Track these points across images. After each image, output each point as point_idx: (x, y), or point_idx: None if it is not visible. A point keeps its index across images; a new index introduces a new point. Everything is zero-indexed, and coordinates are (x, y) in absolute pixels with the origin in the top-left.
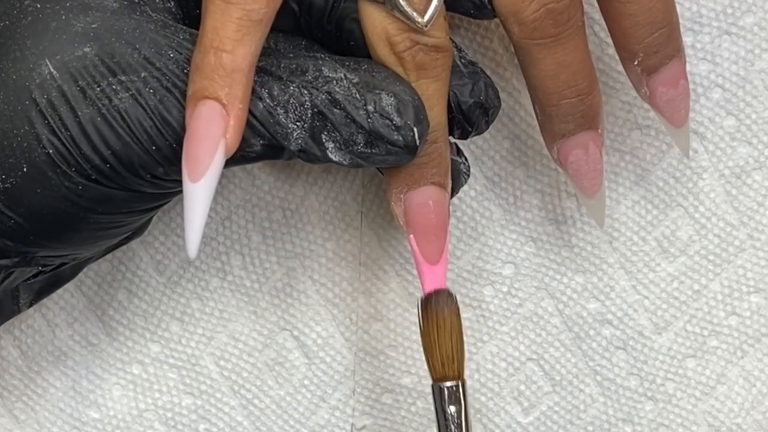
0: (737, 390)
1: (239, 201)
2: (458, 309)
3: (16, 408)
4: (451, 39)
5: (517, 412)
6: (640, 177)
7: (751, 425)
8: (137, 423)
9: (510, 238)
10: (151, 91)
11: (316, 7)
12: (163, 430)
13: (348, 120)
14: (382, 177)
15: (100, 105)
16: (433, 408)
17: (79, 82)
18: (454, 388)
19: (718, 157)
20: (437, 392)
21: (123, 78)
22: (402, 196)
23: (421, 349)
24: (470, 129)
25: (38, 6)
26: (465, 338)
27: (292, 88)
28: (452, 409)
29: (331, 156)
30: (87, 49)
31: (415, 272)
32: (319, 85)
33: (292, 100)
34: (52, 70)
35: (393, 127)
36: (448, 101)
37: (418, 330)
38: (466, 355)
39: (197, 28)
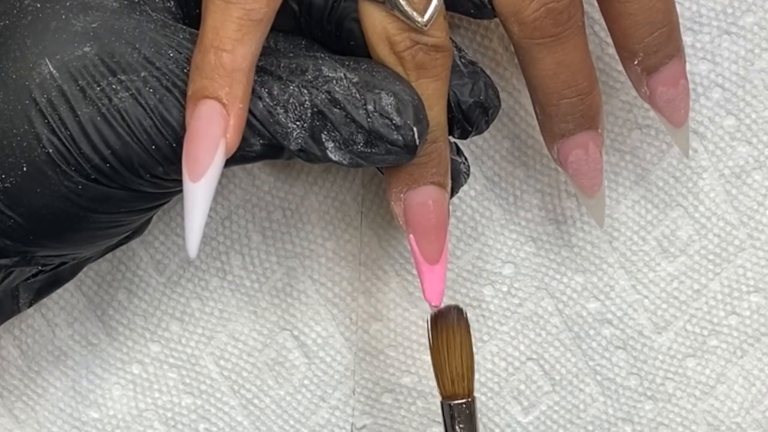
0: (737, 389)
1: (239, 201)
2: (468, 325)
3: (16, 408)
4: (451, 39)
5: (517, 411)
6: (640, 177)
7: (750, 424)
8: (137, 423)
9: (510, 238)
10: (151, 90)
11: (316, 7)
12: (163, 429)
13: (348, 119)
14: (382, 177)
15: (99, 104)
16: (440, 416)
17: (79, 82)
18: (464, 405)
19: (718, 156)
20: (447, 410)
21: (123, 77)
22: (402, 195)
23: (421, 349)
24: (470, 129)
25: (38, 5)
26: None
27: (291, 87)
28: (461, 427)
29: (331, 156)
30: (87, 49)
31: (415, 272)
32: (319, 84)
33: (291, 100)
34: (52, 69)
35: (393, 127)
36: (448, 101)
37: (428, 346)
38: None
39: (197, 28)
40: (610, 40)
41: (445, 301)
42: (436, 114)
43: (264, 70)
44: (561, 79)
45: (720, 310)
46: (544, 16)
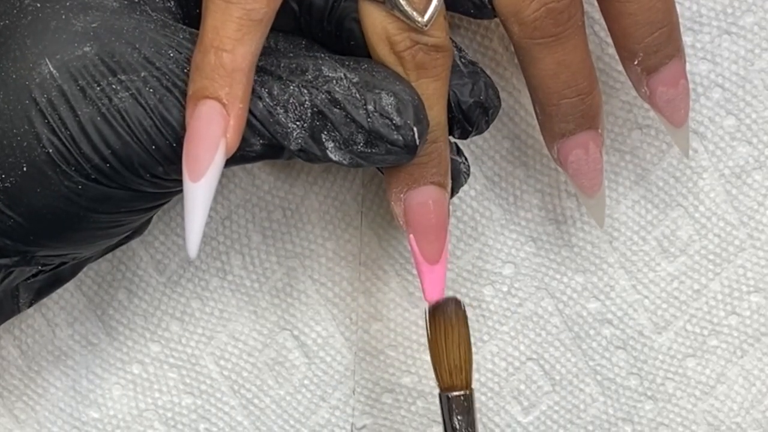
0: (737, 389)
1: (239, 201)
2: (466, 318)
3: (16, 408)
4: (451, 39)
5: (517, 411)
6: (640, 177)
7: (750, 424)
8: (137, 423)
9: (510, 238)
10: (151, 90)
11: (316, 7)
12: (163, 429)
13: (348, 119)
14: (382, 177)
15: (100, 104)
16: (440, 416)
17: (79, 82)
18: (462, 397)
19: (718, 156)
20: (444, 402)
21: (123, 77)
22: (402, 195)
23: (421, 349)
24: (470, 129)
25: (38, 5)
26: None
27: (291, 87)
28: (459, 419)
29: (331, 155)
30: (87, 49)
31: (415, 272)
32: (319, 84)
33: (291, 100)
34: (52, 69)
35: (393, 127)
36: (448, 101)
37: (426, 338)
38: None
39: (197, 28)
40: (610, 40)
41: None
42: (436, 114)
43: (264, 70)
44: (561, 79)
45: (720, 310)
46: (545, 16)
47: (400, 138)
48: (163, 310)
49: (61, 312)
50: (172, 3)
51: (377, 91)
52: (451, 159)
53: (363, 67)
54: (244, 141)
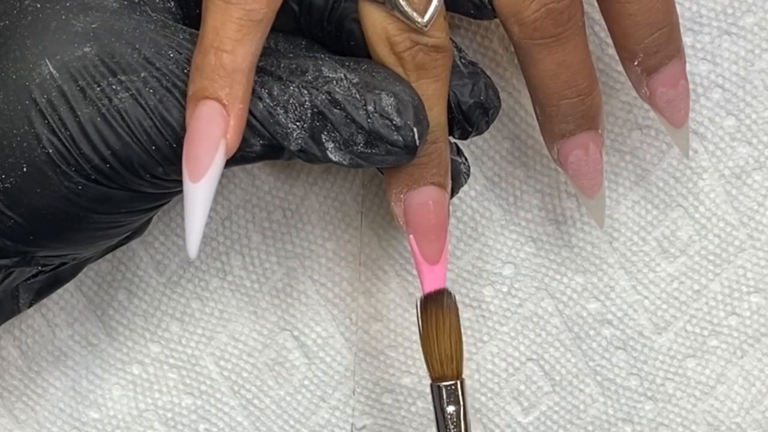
0: (737, 389)
1: (239, 201)
2: (457, 308)
3: (16, 408)
4: (451, 39)
5: (517, 412)
6: (640, 177)
7: (750, 424)
8: (137, 423)
9: (510, 238)
10: (151, 91)
11: (316, 7)
12: (163, 430)
13: (348, 120)
14: (382, 177)
15: (99, 105)
16: (432, 407)
17: (79, 82)
18: (453, 387)
19: (718, 157)
20: (436, 392)
21: (123, 78)
22: (402, 196)
23: (420, 348)
24: (470, 129)
25: (38, 6)
26: (465, 338)
27: (292, 88)
28: (451, 408)
29: (331, 156)
30: (87, 49)
31: (415, 272)
32: (319, 85)
33: (291, 100)
34: (52, 69)
35: (393, 127)
36: (448, 101)
37: (417, 329)
38: (466, 355)
39: (197, 28)
40: (610, 40)
41: None
42: (437, 114)
43: (264, 70)
44: (561, 79)
45: (720, 311)
46: (545, 16)
47: (400, 138)
48: (163, 311)
49: (61, 312)
50: (172, 3)
51: (377, 91)
52: (451, 159)
53: (363, 68)
54: (244, 141)
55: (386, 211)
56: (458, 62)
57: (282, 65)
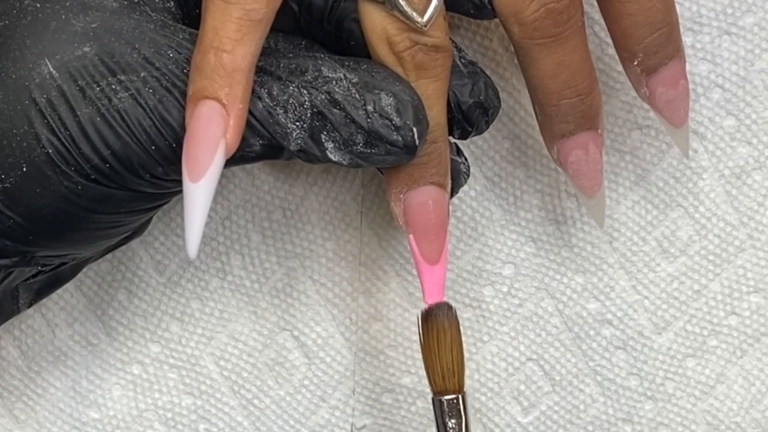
0: (736, 389)
1: (239, 201)
2: (458, 322)
3: (16, 408)
4: (451, 39)
5: (516, 411)
6: (640, 177)
7: (750, 424)
8: (137, 423)
9: (510, 238)
10: (151, 90)
11: (316, 7)
12: (163, 430)
13: (347, 120)
14: (382, 177)
15: (99, 105)
16: (434, 421)
17: (79, 82)
18: (455, 401)
19: (718, 157)
20: (437, 405)
21: (122, 78)
22: (402, 196)
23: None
24: (470, 129)
25: (38, 5)
26: (465, 338)
27: (291, 88)
28: (452, 422)
29: (331, 156)
30: (87, 49)
31: (415, 272)
32: (319, 85)
33: (291, 100)
34: (51, 69)
35: (392, 127)
36: (448, 101)
37: (419, 343)
38: (466, 354)
39: (197, 28)
40: (610, 40)
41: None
42: (436, 114)
43: (264, 70)
44: (561, 79)
45: (720, 311)
46: (544, 16)
47: (400, 138)
48: (163, 311)
49: (61, 312)
50: (172, 3)
51: (377, 91)
52: (451, 159)
53: (363, 68)
54: (243, 141)
55: (386, 211)
56: (458, 62)
57: (282, 65)
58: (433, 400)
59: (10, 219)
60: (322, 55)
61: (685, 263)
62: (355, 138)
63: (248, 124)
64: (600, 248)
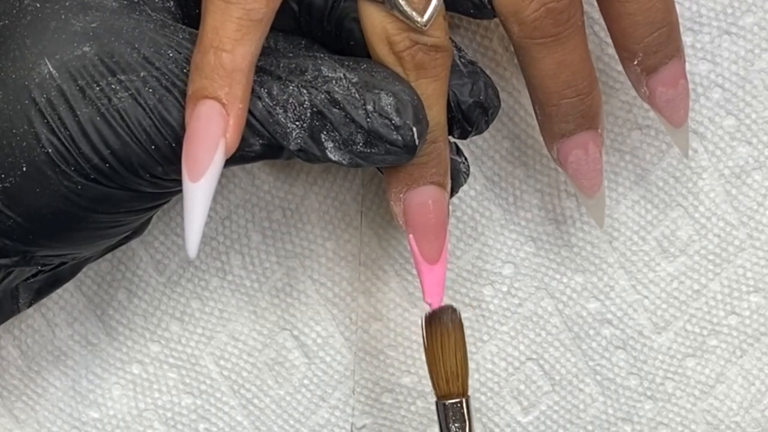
0: (736, 389)
1: (239, 201)
2: (462, 326)
3: (16, 408)
4: (451, 39)
5: (516, 411)
6: (640, 177)
7: (749, 423)
8: (137, 423)
9: (510, 238)
10: (151, 90)
11: (316, 7)
12: (163, 429)
13: (347, 119)
14: (382, 176)
15: (99, 104)
16: (434, 420)
17: (79, 82)
18: (458, 405)
19: (718, 157)
20: (441, 409)
21: (122, 77)
22: (401, 195)
23: (421, 349)
24: (470, 129)
25: (38, 5)
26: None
27: (291, 87)
28: (456, 426)
29: (331, 155)
30: (86, 49)
31: (415, 272)
32: (319, 84)
33: (291, 100)
34: (51, 69)
35: (392, 127)
36: (448, 101)
37: (422, 346)
38: None
39: (197, 28)
40: (610, 40)
41: (445, 301)
42: (436, 114)
43: (264, 70)
44: (561, 79)
45: (720, 310)
46: (544, 16)
47: (400, 138)
48: (163, 310)
49: (61, 312)
50: (172, 3)
51: (376, 91)
52: (451, 159)
53: (362, 67)
54: (243, 141)
55: (386, 210)
56: (458, 62)
57: (281, 65)
58: (436, 404)
59: (10, 219)
60: (322, 55)
61: (684, 263)
62: (354, 138)
63: (248, 124)
64: (600, 248)
